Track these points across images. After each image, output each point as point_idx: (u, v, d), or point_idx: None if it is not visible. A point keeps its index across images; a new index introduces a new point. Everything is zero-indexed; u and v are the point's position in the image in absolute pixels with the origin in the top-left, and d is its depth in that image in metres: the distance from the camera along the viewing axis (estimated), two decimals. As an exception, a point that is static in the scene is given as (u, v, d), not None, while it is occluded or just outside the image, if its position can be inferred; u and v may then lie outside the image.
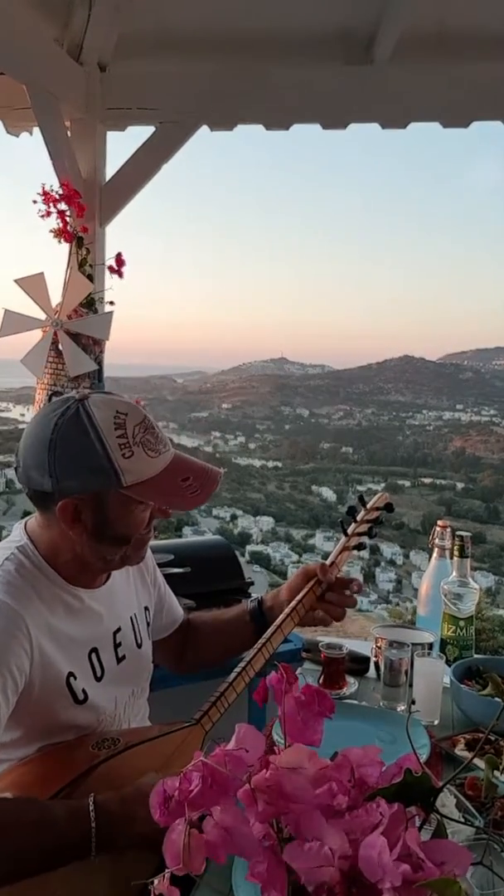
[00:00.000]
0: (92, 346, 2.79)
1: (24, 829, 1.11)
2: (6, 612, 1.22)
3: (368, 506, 1.71)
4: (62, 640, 1.30)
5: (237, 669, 1.41)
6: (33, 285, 2.70)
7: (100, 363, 2.85)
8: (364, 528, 1.69)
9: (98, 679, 1.36)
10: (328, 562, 1.61)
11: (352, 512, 1.70)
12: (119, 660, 1.43)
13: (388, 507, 1.73)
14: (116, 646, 1.43)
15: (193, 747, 1.29)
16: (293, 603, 1.51)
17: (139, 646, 1.50)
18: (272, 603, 1.62)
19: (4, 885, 1.09)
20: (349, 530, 1.67)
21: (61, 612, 1.32)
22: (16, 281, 2.69)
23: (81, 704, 1.31)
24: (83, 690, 1.31)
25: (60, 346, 2.74)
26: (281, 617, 1.49)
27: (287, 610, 1.50)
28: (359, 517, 1.69)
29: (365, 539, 1.68)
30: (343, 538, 1.68)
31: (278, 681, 0.77)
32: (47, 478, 1.25)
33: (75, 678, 1.30)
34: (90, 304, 2.83)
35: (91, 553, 1.31)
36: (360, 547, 1.68)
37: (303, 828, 0.66)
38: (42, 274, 2.72)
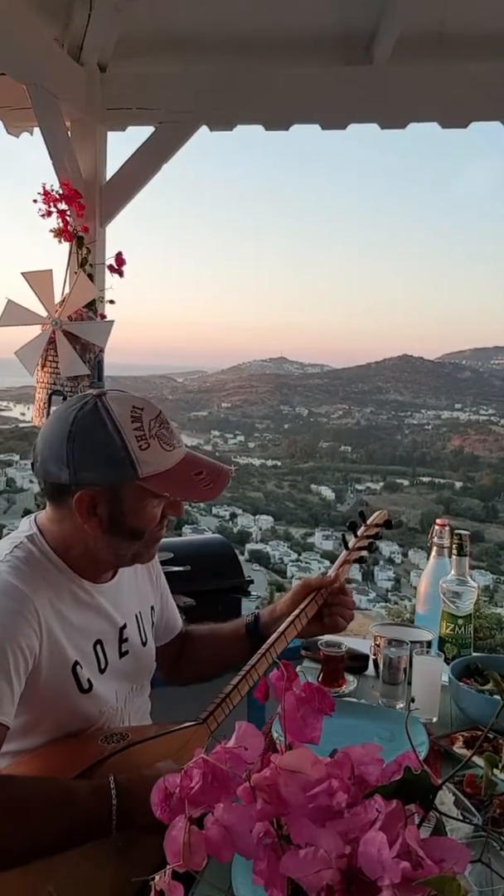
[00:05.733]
0: (92, 344, 2.80)
1: (46, 805, 1.13)
2: (15, 593, 1.24)
3: (368, 522, 1.78)
4: (69, 627, 1.31)
5: (241, 672, 1.44)
6: (39, 281, 2.70)
7: (100, 362, 2.85)
8: (364, 542, 1.75)
9: (102, 671, 1.38)
10: (331, 573, 1.65)
11: (353, 527, 1.76)
12: (122, 654, 1.44)
13: (388, 524, 1.80)
14: (122, 641, 1.45)
15: (199, 745, 1.30)
16: (296, 611, 1.55)
17: (143, 644, 1.51)
18: (268, 618, 1.65)
19: (26, 861, 1.10)
20: (350, 544, 1.73)
21: (69, 601, 1.33)
22: (23, 274, 2.68)
23: (86, 694, 1.32)
24: (88, 680, 1.33)
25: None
26: (284, 623, 1.52)
27: (290, 618, 1.53)
28: (359, 532, 1.76)
29: (365, 553, 1.75)
30: (344, 552, 1.74)
31: (278, 678, 0.78)
32: (65, 469, 1.27)
33: (81, 667, 1.32)
34: (90, 303, 2.84)
35: (104, 547, 1.33)
36: (360, 560, 1.74)
37: (295, 834, 0.66)
38: (50, 271, 2.72)
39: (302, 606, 1.56)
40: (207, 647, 1.70)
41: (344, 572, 1.69)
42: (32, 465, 1.35)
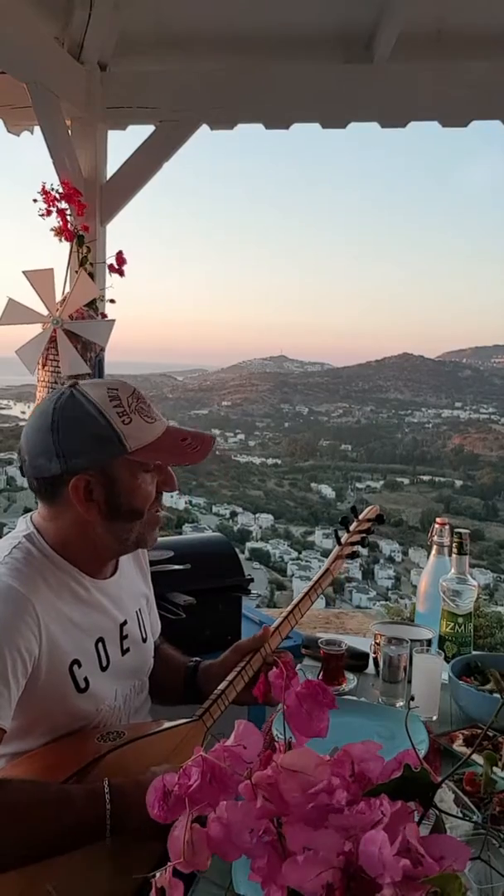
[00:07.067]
0: (93, 343, 2.80)
1: (41, 809, 1.13)
2: (15, 596, 1.23)
3: (360, 517, 1.79)
4: (69, 626, 1.31)
5: (237, 669, 1.44)
6: (40, 280, 2.70)
7: (100, 361, 2.86)
8: (357, 538, 1.75)
9: (103, 669, 1.38)
10: (321, 570, 1.63)
11: (345, 522, 1.77)
12: (123, 652, 1.44)
13: (379, 519, 1.81)
14: (123, 638, 1.45)
15: (195, 742, 1.30)
16: (231, 675, 1.44)
17: (144, 640, 1.51)
18: (205, 671, 1.57)
19: (21, 865, 1.10)
20: (342, 540, 1.74)
21: (69, 599, 1.33)
22: (24, 272, 2.68)
23: (82, 693, 1.32)
24: (85, 679, 1.33)
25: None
26: (217, 690, 1.43)
27: (223, 684, 1.43)
28: (352, 528, 1.76)
29: (358, 548, 1.75)
30: (336, 547, 1.74)
31: (278, 676, 0.77)
32: (55, 460, 1.28)
33: (79, 666, 1.32)
34: (91, 302, 2.84)
35: (105, 534, 1.34)
36: (353, 555, 1.74)
37: (291, 839, 0.66)
38: (51, 270, 2.72)
39: (237, 670, 1.45)
40: (161, 670, 1.60)
41: (338, 567, 1.70)
42: (20, 467, 1.36)
